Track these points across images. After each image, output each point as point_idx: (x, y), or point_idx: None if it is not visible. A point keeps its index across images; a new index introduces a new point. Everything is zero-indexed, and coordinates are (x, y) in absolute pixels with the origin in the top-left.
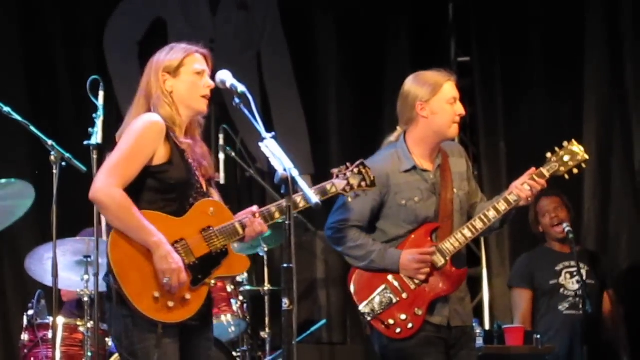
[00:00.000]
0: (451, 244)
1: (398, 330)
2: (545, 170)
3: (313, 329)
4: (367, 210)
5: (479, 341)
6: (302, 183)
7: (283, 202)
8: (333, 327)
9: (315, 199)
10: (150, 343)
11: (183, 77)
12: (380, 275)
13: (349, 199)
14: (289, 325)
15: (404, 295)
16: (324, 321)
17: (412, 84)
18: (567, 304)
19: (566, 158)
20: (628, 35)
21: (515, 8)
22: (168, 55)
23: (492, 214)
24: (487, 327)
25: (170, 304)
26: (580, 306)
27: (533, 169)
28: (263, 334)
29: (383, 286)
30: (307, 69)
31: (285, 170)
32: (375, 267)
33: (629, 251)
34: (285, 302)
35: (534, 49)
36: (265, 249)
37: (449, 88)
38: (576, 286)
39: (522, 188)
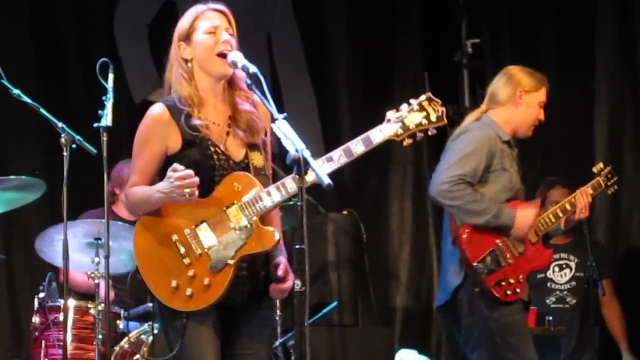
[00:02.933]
0: (542, 224)
1: (508, 292)
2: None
3: (324, 311)
4: (480, 169)
5: None
6: (314, 163)
7: (289, 178)
8: (344, 309)
9: (327, 179)
10: (176, 332)
11: (196, 40)
12: (489, 237)
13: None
14: (301, 307)
15: (510, 261)
16: (335, 303)
17: (519, 71)
18: (554, 297)
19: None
20: (639, 19)
21: None
22: (181, 21)
23: (568, 206)
24: None
25: (189, 291)
26: (568, 299)
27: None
28: (275, 316)
29: (493, 248)
30: (318, 50)
31: (297, 151)
32: (492, 223)
33: None
34: (298, 283)
35: (544, 31)
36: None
37: (545, 93)
38: (565, 279)
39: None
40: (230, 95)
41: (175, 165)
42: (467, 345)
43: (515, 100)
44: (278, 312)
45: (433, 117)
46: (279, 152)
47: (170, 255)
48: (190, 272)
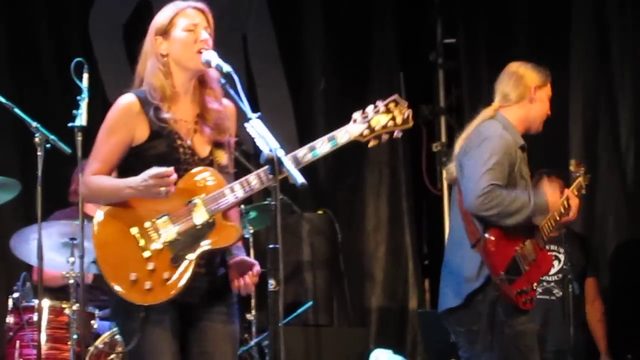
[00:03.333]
0: (546, 229)
1: (526, 301)
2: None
3: (299, 311)
4: (506, 175)
5: None
6: (288, 162)
7: (260, 171)
8: (319, 309)
9: (301, 179)
10: (133, 326)
11: (174, 37)
12: (511, 244)
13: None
14: (275, 307)
15: (527, 268)
16: (310, 303)
17: (527, 68)
18: (541, 288)
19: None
20: (614, 18)
21: None
22: (159, 16)
23: (562, 209)
24: None
25: (148, 285)
26: (554, 292)
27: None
28: (249, 316)
29: (514, 255)
30: (293, 50)
31: (271, 150)
32: (532, 214)
33: (616, 232)
34: (272, 283)
35: (519, 31)
36: (251, 231)
37: (550, 86)
38: (553, 271)
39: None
40: (200, 93)
41: (155, 168)
42: (473, 346)
43: (530, 97)
44: (253, 312)
45: (399, 120)
46: (253, 151)
47: (130, 248)
48: (150, 266)
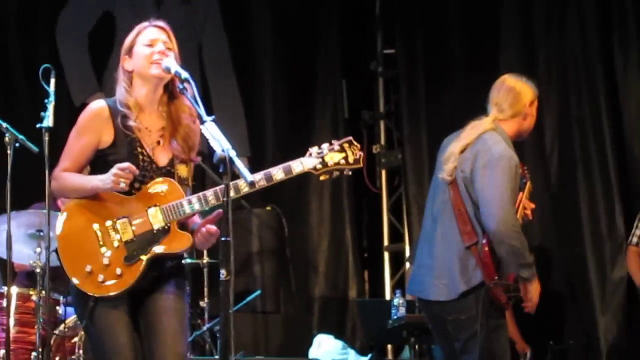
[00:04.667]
0: None
1: (510, 301)
2: None
3: (248, 298)
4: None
5: (402, 311)
6: (239, 162)
7: (218, 189)
8: (267, 297)
9: (250, 177)
10: (84, 311)
11: (135, 52)
12: None
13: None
14: (226, 295)
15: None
16: (258, 291)
17: (522, 83)
18: None
19: None
20: (540, 32)
21: (437, 5)
22: (127, 38)
23: None
24: (408, 297)
25: (101, 277)
26: None
27: None
28: (202, 303)
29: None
30: (245, 59)
31: (223, 150)
32: (524, 273)
33: (540, 228)
34: (223, 273)
35: (453, 43)
36: None
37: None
38: None
39: None
40: (175, 109)
41: (119, 164)
42: (459, 333)
43: (524, 113)
44: (206, 299)
45: (351, 159)
46: (207, 152)
47: (90, 243)
48: (105, 261)
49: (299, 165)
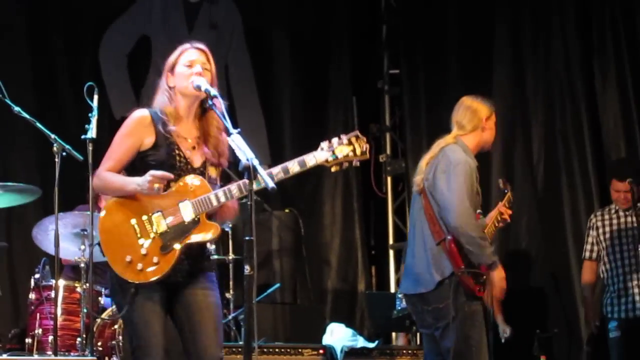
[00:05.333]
0: (489, 235)
1: (479, 288)
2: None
3: (269, 291)
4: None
5: (403, 304)
6: (261, 170)
7: (240, 182)
8: (285, 289)
9: (271, 183)
10: (124, 299)
11: (177, 71)
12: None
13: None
14: (249, 288)
15: None
16: (278, 285)
17: (478, 102)
18: None
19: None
20: (528, 55)
21: (437, 30)
22: (170, 57)
23: (499, 220)
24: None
25: (140, 266)
26: None
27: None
28: (228, 295)
29: None
30: (266, 78)
31: (247, 159)
32: (481, 258)
33: (527, 231)
34: (247, 268)
35: (451, 64)
36: (230, 225)
37: (495, 115)
38: None
39: None
40: (207, 124)
41: (153, 171)
42: (439, 321)
43: (482, 126)
44: (231, 291)
45: (358, 152)
46: (233, 160)
47: (128, 235)
48: (143, 251)
49: (312, 159)
